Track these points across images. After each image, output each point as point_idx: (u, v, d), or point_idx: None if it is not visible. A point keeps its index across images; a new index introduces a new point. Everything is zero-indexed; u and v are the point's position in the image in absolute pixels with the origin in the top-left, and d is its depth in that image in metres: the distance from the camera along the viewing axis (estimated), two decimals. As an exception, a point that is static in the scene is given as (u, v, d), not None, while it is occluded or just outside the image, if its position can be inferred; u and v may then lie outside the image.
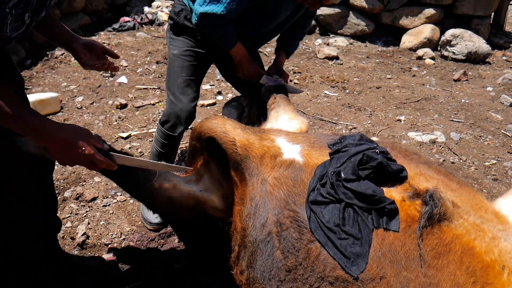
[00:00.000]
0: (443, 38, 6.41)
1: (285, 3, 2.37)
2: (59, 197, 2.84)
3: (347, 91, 5.01)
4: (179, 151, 3.27)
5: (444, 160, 3.47)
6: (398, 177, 1.45)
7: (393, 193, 1.39)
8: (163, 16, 7.22)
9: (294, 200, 1.49)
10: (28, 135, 1.41)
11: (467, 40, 6.24)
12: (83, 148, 1.42)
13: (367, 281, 1.22)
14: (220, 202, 1.80)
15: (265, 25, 2.47)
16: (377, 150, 1.55)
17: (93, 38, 6.16)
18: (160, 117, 2.69)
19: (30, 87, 4.66)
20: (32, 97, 3.85)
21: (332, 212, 1.38)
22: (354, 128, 4.04)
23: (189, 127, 2.62)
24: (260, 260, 1.47)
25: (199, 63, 2.51)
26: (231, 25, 2.29)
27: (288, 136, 1.82)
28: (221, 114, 2.73)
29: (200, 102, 4.47)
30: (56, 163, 1.63)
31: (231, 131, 1.76)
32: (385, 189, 1.41)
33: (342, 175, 1.45)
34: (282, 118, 2.31)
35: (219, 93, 4.73)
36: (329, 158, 1.59)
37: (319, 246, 1.34)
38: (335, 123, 4.13)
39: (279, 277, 1.40)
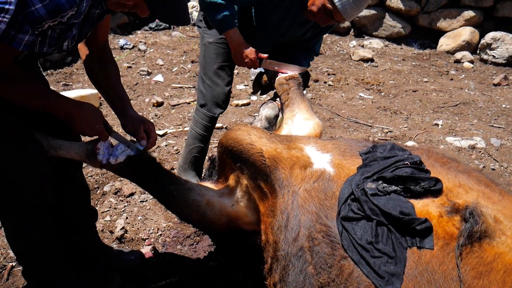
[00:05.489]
0: (483, 41, 6.23)
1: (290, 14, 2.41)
2: (98, 191, 2.94)
3: (383, 93, 4.94)
4: (207, 158, 3.26)
5: (484, 167, 3.39)
6: (431, 190, 1.41)
7: (429, 207, 1.35)
8: (199, 15, 7.30)
9: (326, 213, 1.46)
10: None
11: (508, 44, 6.05)
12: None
13: (402, 300, 1.19)
14: (252, 215, 1.78)
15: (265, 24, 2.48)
16: (407, 162, 1.51)
17: (130, 37, 6.26)
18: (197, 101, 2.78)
19: (71, 83, 4.77)
20: (73, 93, 3.95)
21: (364, 229, 1.35)
22: (390, 131, 3.99)
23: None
24: (292, 275, 1.45)
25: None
26: (234, 10, 2.35)
27: (317, 144, 1.78)
28: (256, 114, 2.75)
29: (234, 102, 4.51)
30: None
31: (257, 142, 1.74)
32: (421, 203, 1.37)
33: (368, 191, 1.42)
34: (298, 119, 2.28)
35: (253, 93, 4.76)
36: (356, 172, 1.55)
37: (352, 263, 1.31)
38: (371, 126, 4.09)
39: (311, 293, 1.38)
